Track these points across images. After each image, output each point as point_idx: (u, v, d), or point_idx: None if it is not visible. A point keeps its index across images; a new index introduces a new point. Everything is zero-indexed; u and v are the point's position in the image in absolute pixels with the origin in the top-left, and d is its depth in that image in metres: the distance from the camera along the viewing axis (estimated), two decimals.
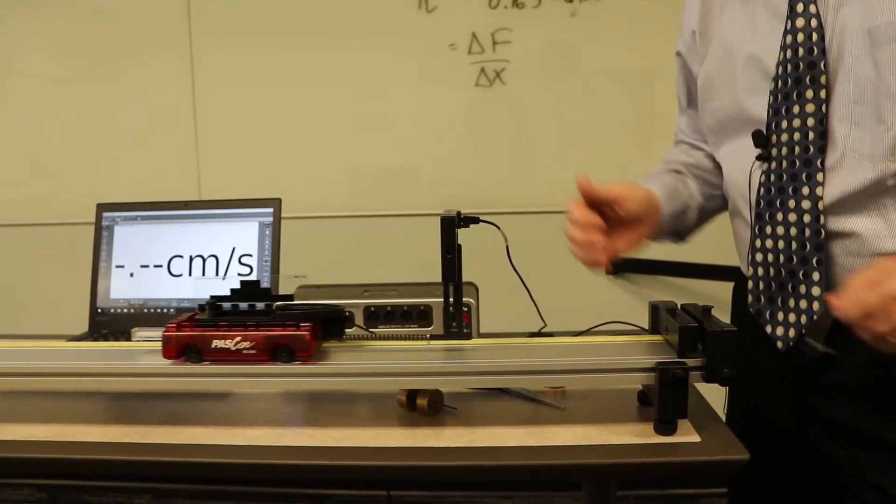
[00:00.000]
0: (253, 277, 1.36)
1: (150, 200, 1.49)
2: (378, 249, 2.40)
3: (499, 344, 1.01)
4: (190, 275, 1.40)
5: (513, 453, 0.88)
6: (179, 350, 0.95)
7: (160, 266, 1.41)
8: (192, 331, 0.95)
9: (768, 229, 0.96)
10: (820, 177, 0.90)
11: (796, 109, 0.92)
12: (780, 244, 0.94)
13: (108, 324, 1.42)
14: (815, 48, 0.89)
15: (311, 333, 0.94)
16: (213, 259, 1.39)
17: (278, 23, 2.35)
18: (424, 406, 0.98)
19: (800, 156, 0.91)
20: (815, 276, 0.91)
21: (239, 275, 1.37)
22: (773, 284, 0.96)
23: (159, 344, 0.96)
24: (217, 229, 1.40)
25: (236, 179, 2.41)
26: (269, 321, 0.95)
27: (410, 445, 0.90)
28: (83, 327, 1.46)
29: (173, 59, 2.41)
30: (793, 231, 0.92)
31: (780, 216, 0.94)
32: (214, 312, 1.00)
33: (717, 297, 2.29)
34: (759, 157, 0.96)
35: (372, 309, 1.18)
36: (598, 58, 2.30)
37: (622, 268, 2.38)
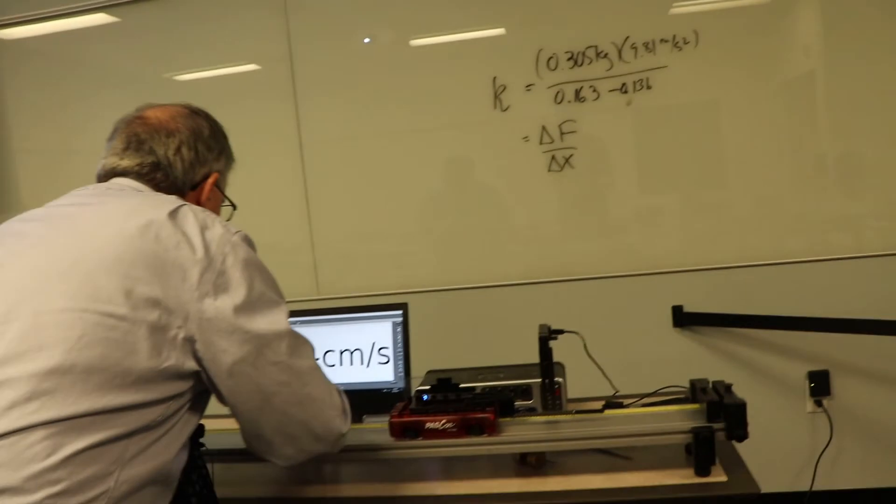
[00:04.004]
0: (389, 366, 1.89)
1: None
2: (472, 318, 2.93)
3: (584, 418, 1.50)
4: (341, 365, 1.93)
5: (599, 495, 1.37)
6: (402, 431, 1.46)
7: (318, 359, 1.95)
8: (410, 417, 1.46)
9: None
10: None
11: None
12: None
13: None
14: None
15: (493, 414, 1.44)
16: (358, 352, 1.92)
17: (378, 136, 2.96)
18: (534, 461, 1.48)
19: None
20: None
21: (379, 363, 1.90)
22: None
23: (385, 425, 1.48)
24: (359, 328, 1.93)
25: (347, 264, 2.99)
26: (462, 407, 1.45)
27: (527, 490, 1.41)
28: None
29: (286, 162, 3.02)
30: None
31: None
32: (420, 403, 1.49)
33: (776, 343, 2.76)
34: None
35: (485, 389, 1.69)
36: (652, 139, 2.79)
37: (687, 321, 2.84)
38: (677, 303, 2.83)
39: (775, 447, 2.78)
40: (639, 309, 2.83)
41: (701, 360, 2.86)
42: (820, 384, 2.82)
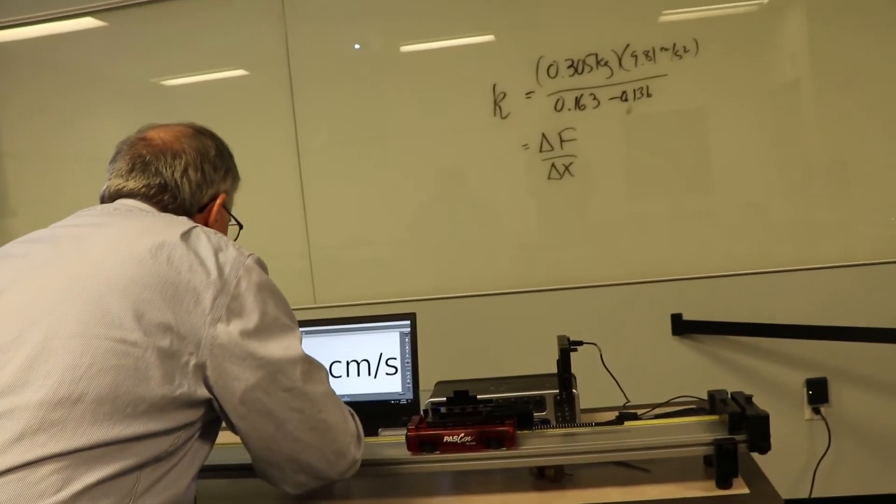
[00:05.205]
0: (397, 377, 1.88)
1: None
2: (470, 327, 2.93)
3: (604, 430, 1.50)
4: (348, 376, 1.92)
5: None
6: (419, 445, 1.44)
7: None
8: (428, 430, 1.44)
9: None
10: None
11: None
12: None
13: None
14: None
15: (512, 427, 1.42)
16: (366, 362, 1.91)
17: (377, 140, 2.94)
18: (552, 474, 1.48)
19: None
20: None
21: (386, 374, 1.89)
22: None
23: (401, 438, 1.46)
24: (366, 339, 1.92)
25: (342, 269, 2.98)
26: (481, 420, 1.44)
27: None
28: None
29: (286, 177, 3.00)
30: None
31: None
32: (437, 416, 1.48)
33: (774, 351, 2.78)
34: None
35: (501, 401, 1.68)
36: (651, 147, 2.80)
37: (687, 328, 2.85)
38: (677, 311, 2.84)
39: (773, 454, 2.75)
40: (639, 317, 2.85)
41: (699, 367, 2.87)
42: (818, 392, 2.84)
